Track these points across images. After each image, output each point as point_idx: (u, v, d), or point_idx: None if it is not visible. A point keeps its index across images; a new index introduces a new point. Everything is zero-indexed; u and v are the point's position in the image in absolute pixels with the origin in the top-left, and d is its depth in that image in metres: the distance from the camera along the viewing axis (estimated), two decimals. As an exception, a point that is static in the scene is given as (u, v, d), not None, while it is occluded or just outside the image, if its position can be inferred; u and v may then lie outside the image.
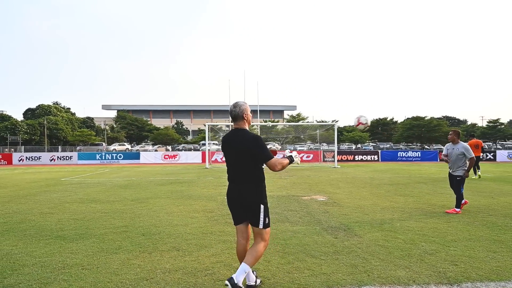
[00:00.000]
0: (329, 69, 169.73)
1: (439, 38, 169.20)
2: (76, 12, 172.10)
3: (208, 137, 21.24)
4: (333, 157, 25.54)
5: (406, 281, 3.41)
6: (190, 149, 50.22)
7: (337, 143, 54.92)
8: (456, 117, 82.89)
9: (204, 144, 55.08)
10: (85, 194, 9.46)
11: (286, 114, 72.11)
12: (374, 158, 25.53)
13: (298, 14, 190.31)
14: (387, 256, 4.14)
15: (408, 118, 67.38)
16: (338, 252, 4.31)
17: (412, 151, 26.01)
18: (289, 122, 62.74)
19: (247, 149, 3.01)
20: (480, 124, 65.93)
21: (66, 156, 24.20)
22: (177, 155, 25.01)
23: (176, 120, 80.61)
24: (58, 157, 24.18)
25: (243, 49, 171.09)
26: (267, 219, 3.17)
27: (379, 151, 26.57)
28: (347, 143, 56.49)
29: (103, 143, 51.67)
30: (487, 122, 53.74)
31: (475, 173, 13.41)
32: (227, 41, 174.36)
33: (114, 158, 24.46)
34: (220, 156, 24.54)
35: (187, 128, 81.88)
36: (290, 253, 4.27)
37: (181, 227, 5.62)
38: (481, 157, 13.46)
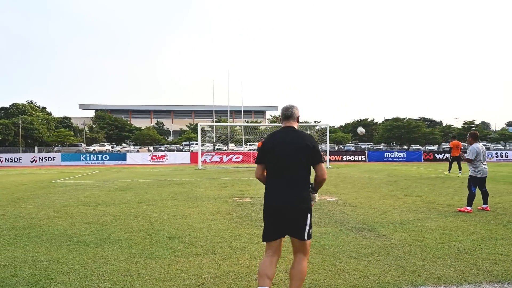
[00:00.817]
0: (311, 70, 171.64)
1: (416, 43, 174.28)
2: (50, 7, 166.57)
3: (201, 137, 20.93)
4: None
5: (458, 281, 3.44)
6: (173, 150, 49.53)
7: (320, 144, 55.44)
8: (433, 119, 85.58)
9: (187, 145, 54.60)
10: (85, 196, 9.11)
11: (269, 115, 72.33)
12: (361, 158, 25.96)
13: (282, 15, 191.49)
14: (426, 255, 4.18)
15: (387, 119, 69.01)
16: (376, 252, 4.32)
17: (398, 152, 26.67)
18: (273, 122, 62.97)
19: (304, 146, 2.76)
20: (454, 125, 68.40)
21: (48, 157, 23.27)
22: (164, 156, 24.55)
23: (157, 120, 79.35)
24: (39, 158, 23.22)
25: (226, 49, 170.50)
26: (311, 229, 2.83)
27: (366, 151, 27.06)
28: (330, 144, 57.20)
29: (82, 144, 50.22)
30: (463, 123, 55.70)
31: (460, 169, 14.43)
32: (210, 40, 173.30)
33: (100, 159, 23.74)
34: (209, 157, 24.30)
35: (167, 128, 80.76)
36: (329, 255, 4.25)
37: (205, 230, 5.49)
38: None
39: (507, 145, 54.12)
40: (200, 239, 4.93)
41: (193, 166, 21.65)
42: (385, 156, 26.20)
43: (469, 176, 7.00)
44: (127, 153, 24.98)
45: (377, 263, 3.95)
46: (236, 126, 55.10)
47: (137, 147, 51.99)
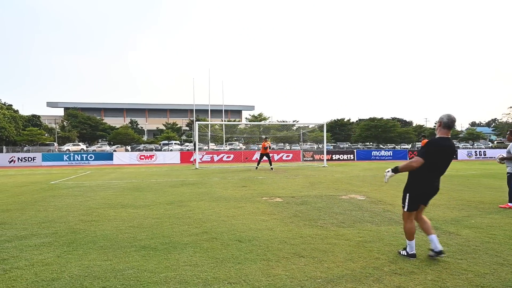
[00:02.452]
0: (288, 70, 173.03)
1: (386, 46, 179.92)
2: (16, 2, 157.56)
3: (197, 136, 20.41)
4: (312, 156, 26.01)
5: None
6: (151, 149, 48.26)
7: (300, 143, 55.88)
8: (404, 119, 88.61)
9: (166, 144, 53.33)
10: (102, 198, 8.56)
11: (248, 114, 72.08)
12: (350, 157, 26.37)
13: (261, 15, 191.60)
14: (515, 252, 4.19)
15: (361, 119, 70.75)
16: (464, 250, 4.28)
17: (385, 151, 27.33)
18: (251, 122, 62.76)
19: (454, 153, 4.13)
20: (424, 125, 71.21)
21: (29, 158, 21.79)
22: (153, 155, 23.74)
23: (131, 119, 77.04)
24: (18, 158, 21.68)
25: (205, 48, 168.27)
26: None
27: (355, 150, 27.52)
28: (309, 143, 57.91)
29: (55, 143, 47.87)
30: (434, 123, 57.95)
31: None
32: (188, 38, 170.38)
33: (84, 159, 22.57)
34: (200, 156, 23.80)
35: (142, 127, 78.71)
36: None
37: (267, 231, 5.25)
38: None
39: (475, 144, 57.00)
40: (272, 242, 4.70)
41: (186, 166, 21.08)
42: (372, 155, 26.77)
43: (508, 173, 7.17)
44: (113, 152, 23.94)
45: (476, 261, 3.90)
46: (215, 124, 54.57)
47: (114, 147, 50.23)
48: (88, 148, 48.70)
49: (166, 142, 51.16)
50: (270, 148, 17.99)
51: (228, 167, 20.00)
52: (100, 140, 61.25)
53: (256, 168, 17.76)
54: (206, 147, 53.45)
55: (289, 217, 6.26)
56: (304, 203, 7.59)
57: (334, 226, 5.54)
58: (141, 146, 50.93)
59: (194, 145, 44.17)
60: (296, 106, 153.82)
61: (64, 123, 60.24)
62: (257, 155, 25.28)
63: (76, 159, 22.57)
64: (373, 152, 27.29)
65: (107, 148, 50.26)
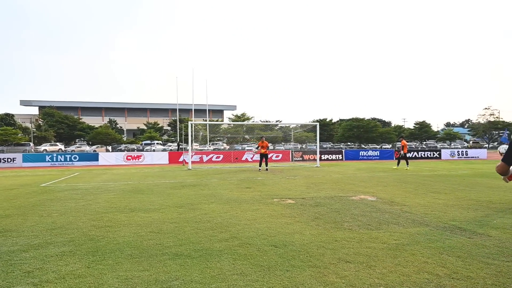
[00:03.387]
0: (270, 70, 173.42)
1: (366, 47, 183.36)
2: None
3: (189, 136, 19.96)
4: (302, 156, 26.03)
5: None
6: (133, 149, 47.15)
7: (284, 143, 55.95)
8: (383, 119, 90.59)
9: (148, 144, 52.22)
10: (106, 201, 8.14)
11: (231, 114, 71.66)
12: (339, 157, 26.57)
13: (245, 15, 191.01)
14: (557, 253, 4.19)
15: (342, 119, 71.73)
16: (504, 253, 4.25)
17: (372, 151, 27.71)
18: (235, 121, 62.41)
19: None
20: (401, 125, 72.95)
21: (8, 158, 20.65)
22: (141, 156, 23.07)
23: (109, 119, 75.09)
24: (-4, 159, 20.51)
25: (188, 49, 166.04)
26: None
27: (343, 150, 27.75)
28: (293, 143, 58.14)
29: (30, 143, 45.99)
30: (414, 123, 59.50)
31: (407, 164, 17.88)
32: (172, 37, 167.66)
33: (68, 160, 21.65)
34: (186, 157, 23.33)
35: (121, 127, 76.91)
36: (467, 257, 4.09)
37: (299, 235, 5.08)
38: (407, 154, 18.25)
39: (452, 144, 58.90)
40: (309, 246, 4.53)
41: (177, 166, 20.60)
42: (360, 155, 27.09)
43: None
44: (99, 153, 23.09)
45: (525, 263, 3.87)
46: (199, 124, 53.88)
47: (94, 147, 48.77)
48: (66, 149, 47.09)
49: (148, 142, 50.14)
50: (268, 148, 17.82)
51: (220, 167, 19.69)
52: (78, 140, 59.38)
53: (260, 169, 17.31)
54: (188, 147, 52.85)
55: (311, 219, 6.12)
56: (318, 205, 7.47)
57: (362, 229, 5.43)
58: (123, 146, 49.72)
59: (178, 145, 43.56)
60: (278, 106, 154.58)
61: (40, 122, 58.03)
62: (247, 155, 25.09)
63: (59, 160, 21.62)
64: (360, 152, 27.62)
65: (86, 148, 48.74)
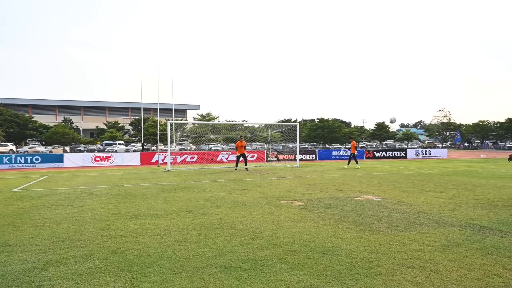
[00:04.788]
0: (236, 70, 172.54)
1: (327, 48, 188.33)
2: None
3: (170, 136, 19.06)
4: (276, 156, 25.99)
5: None
6: (93, 150, 44.71)
7: (250, 143, 55.73)
8: (343, 120, 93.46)
9: (110, 144, 49.71)
10: (101, 208, 7.41)
11: (196, 114, 70.30)
12: (312, 157, 26.87)
13: (209, 13, 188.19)
14: None
15: (305, 120, 73.15)
16: (549, 251, 4.32)
17: (344, 150, 28.32)
18: (200, 121, 61.25)
19: None
20: (363, 126, 75.71)
21: (-41, 160, 18.41)
22: (110, 157, 21.72)
23: (64, 117, 70.79)
24: None
25: (152, 46, 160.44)
26: None
27: (317, 150, 28.10)
28: (260, 143, 58.25)
29: (-25, 144, 42.07)
30: (375, 124, 61.86)
31: (351, 163, 19.12)
32: (135, 34, 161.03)
33: (29, 161, 19.82)
34: (162, 157, 22.43)
35: (77, 126, 72.86)
36: (517, 257, 4.10)
37: (339, 240, 4.87)
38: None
39: (409, 144, 62.04)
40: (358, 252, 4.34)
41: (152, 168, 19.63)
42: (333, 154, 27.59)
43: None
44: (64, 154, 21.40)
45: None
46: (162, 124, 52.19)
47: (50, 147, 45.61)
48: (18, 149, 43.65)
49: (110, 142, 47.73)
50: (245, 148, 17.53)
51: (200, 168, 19.05)
52: (29, 140, 55.24)
53: (236, 169, 17.12)
54: (154, 148, 50.96)
55: (335, 222, 5.94)
56: (330, 207, 7.32)
57: (393, 231, 5.34)
58: (82, 147, 46.95)
59: (143, 145, 41.91)
60: (242, 106, 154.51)
61: (-14, 121, 53.22)
62: (222, 156, 24.60)
63: (18, 162, 19.76)
64: (333, 152, 28.14)
65: (41, 149, 45.46)
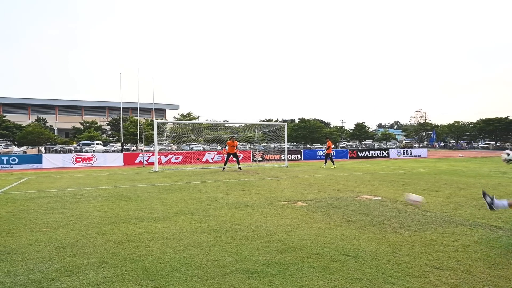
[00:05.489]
0: (215, 69, 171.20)
1: (306, 50, 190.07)
2: None
3: (157, 135, 18.55)
4: (262, 156, 25.88)
5: None
6: (70, 150, 43.26)
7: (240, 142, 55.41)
8: (323, 120, 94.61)
9: (87, 145, 48.18)
10: (97, 211, 7.04)
11: (176, 113, 69.29)
12: (297, 157, 26.93)
13: (190, 13, 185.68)
14: None
15: (284, 120, 73.46)
16: None
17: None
18: (181, 120, 60.37)
19: None
20: (343, 126, 76.93)
21: None
22: (92, 157, 20.94)
23: (37, 116, 68.17)
24: None
25: (131, 45, 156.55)
26: None
27: (302, 150, 28.21)
28: (242, 143, 58.02)
29: None
30: (355, 124, 62.95)
31: (333, 163, 19.08)
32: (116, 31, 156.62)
33: (5, 162, 18.75)
34: (146, 157, 21.88)
35: (51, 126, 70.29)
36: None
37: (357, 241, 4.77)
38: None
39: (387, 144, 63.47)
40: (381, 253, 4.25)
41: (137, 168, 19.05)
42: (317, 154, 27.76)
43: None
44: (43, 155, 20.42)
45: None
46: (144, 124, 51.07)
47: (24, 148, 43.78)
48: (-11, 150, 41.64)
49: (88, 142, 46.30)
50: (237, 148, 17.34)
51: (187, 169, 18.65)
52: (0, 139, 52.82)
53: (224, 169, 16.90)
54: (134, 148, 49.77)
55: (345, 222, 5.86)
56: (335, 207, 7.25)
57: (407, 231, 5.30)
58: (58, 147, 45.33)
59: (122, 146, 40.80)
60: (222, 106, 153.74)
61: (-47, 119, 50.57)
62: (207, 156, 24.26)
63: (-7, 163, 18.73)
64: (318, 152, 28.33)
65: (14, 149, 43.60)
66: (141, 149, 37.22)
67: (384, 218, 6.15)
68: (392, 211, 6.77)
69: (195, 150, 42.31)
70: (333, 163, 19.05)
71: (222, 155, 25.43)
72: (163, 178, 13.52)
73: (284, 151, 22.03)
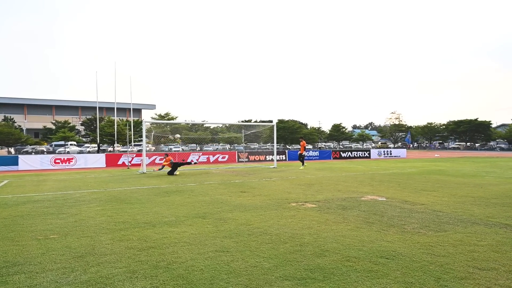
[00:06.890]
0: (193, 70, 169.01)
1: (284, 51, 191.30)
2: None
3: (145, 136, 17.93)
4: (247, 157, 25.71)
5: None
6: (42, 152, 41.40)
7: (213, 144, 54.87)
8: (300, 121, 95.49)
9: (61, 145, 46.20)
10: (100, 215, 6.65)
11: (154, 113, 67.86)
12: (282, 157, 26.93)
13: (167, 12, 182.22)
14: None
15: (262, 121, 73.64)
16: None
17: (312, 151, 28.85)
18: (161, 119, 59.07)
19: None
20: (320, 127, 77.98)
21: None
22: (72, 158, 20.01)
23: (4, 116, 64.85)
24: None
25: (108, 43, 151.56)
26: None
27: (287, 151, 28.25)
28: (222, 144, 57.64)
29: None
30: (332, 125, 63.90)
31: (303, 164, 19.11)
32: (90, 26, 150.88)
33: (-22, 164, 17.62)
34: (129, 159, 21.19)
35: (19, 126, 67.06)
36: None
37: (386, 243, 4.73)
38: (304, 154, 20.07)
39: (364, 144, 64.86)
40: (416, 255, 4.21)
41: (121, 170, 18.38)
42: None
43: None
44: (19, 156, 19.29)
45: None
46: (121, 124, 49.62)
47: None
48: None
49: (61, 143, 44.43)
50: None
51: (181, 170, 18.15)
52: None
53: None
54: (111, 148, 48.24)
55: (364, 224, 5.82)
56: (345, 208, 7.22)
57: (429, 231, 5.32)
58: (29, 148, 43.23)
59: (99, 146, 39.41)
60: (200, 107, 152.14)
61: None
62: (192, 157, 23.82)
63: (-35, 165, 17.50)
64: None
65: (-19, 150, 41.19)
66: (126, 150, 36.14)
67: (401, 219, 6.16)
68: (404, 211, 6.80)
69: (174, 150, 41.47)
70: (303, 164, 19.15)
71: (206, 156, 25.08)
72: (154, 180, 13.09)
73: (270, 151, 21.90)
